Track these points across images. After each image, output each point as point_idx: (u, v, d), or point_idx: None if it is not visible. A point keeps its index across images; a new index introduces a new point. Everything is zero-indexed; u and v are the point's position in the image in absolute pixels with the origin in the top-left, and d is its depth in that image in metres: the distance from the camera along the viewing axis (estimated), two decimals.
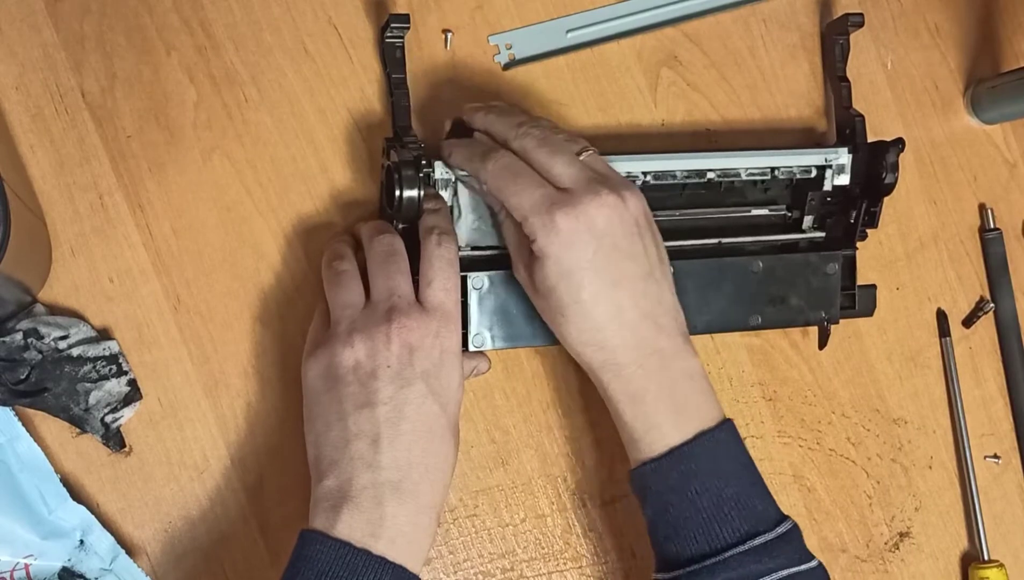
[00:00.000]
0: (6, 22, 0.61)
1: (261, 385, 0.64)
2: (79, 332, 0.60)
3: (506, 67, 0.68)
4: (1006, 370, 0.78)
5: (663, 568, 0.58)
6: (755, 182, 0.68)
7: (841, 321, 0.69)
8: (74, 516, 0.59)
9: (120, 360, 0.61)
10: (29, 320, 0.59)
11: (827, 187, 0.69)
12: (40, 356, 0.59)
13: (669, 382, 0.58)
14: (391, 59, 0.64)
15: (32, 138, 0.61)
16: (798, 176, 0.68)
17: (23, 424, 0.59)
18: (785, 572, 0.56)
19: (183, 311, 0.63)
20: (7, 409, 0.58)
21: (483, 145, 0.61)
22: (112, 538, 0.60)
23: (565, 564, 0.68)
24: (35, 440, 0.59)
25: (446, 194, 0.62)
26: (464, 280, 0.62)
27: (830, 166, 0.68)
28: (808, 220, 0.70)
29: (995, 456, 0.77)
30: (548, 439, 0.69)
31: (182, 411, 0.62)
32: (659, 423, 0.57)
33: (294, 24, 0.65)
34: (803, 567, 0.57)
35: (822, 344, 0.70)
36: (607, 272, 0.57)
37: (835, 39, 0.72)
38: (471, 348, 0.62)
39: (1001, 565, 0.75)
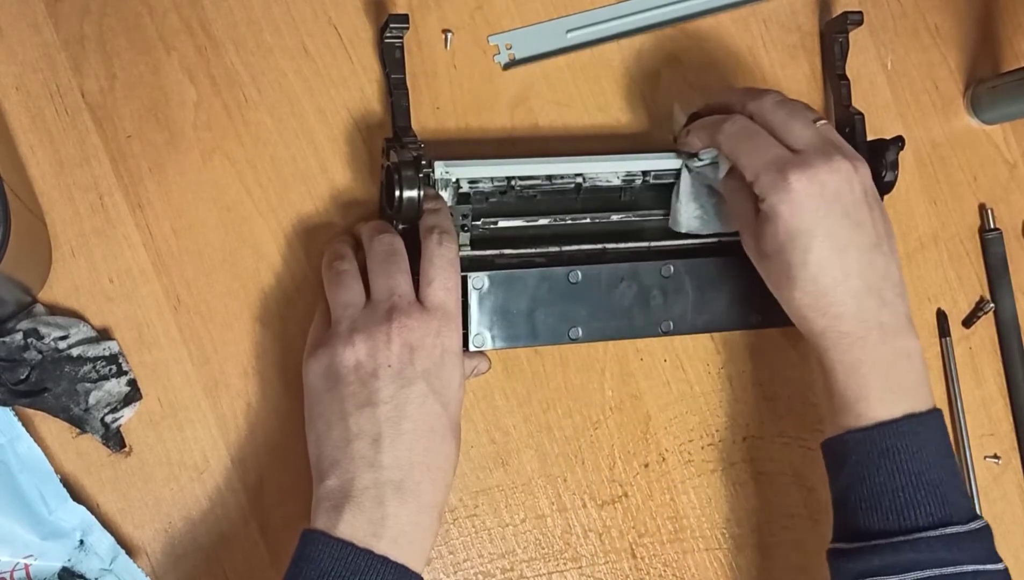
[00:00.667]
0: (6, 22, 0.61)
1: (261, 385, 0.64)
2: (79, 332, 0.60)
3: (506, 67, 0.68)
4: (1006, 370, 0.78)
5: (845, 538, 0.59)
6: None
7: None
8: (74, 516, 0.59)
9: (120, 360, 0.61)
10: (29, 320, 0.59)
11: None
12: (40, 356, 0.59)
13: (887, 358, 0.58)
14: (390, 59, 0.64)
15: (32, 138, 0.61)
16: None
17: (23, 424, 0.59)
18: (971, 568, 0.56)
19: (183, 311, 0.63)
20: (7, 409, 0.58)
21: (719, 116, 0.63)
22: (112, 538, 0.60)
23: (565, 564, 0.68)
24: (35, 440, 0.59)
25: (446, 194, 0.62)
26: (465, 280, 0.62)
27: None
28: None
29: (995, 456, 0.77)
30: (548, 439, 0.69)
31: (182, 411, 0.62)
32: (869, 396, 0.58)
33: (294, 24, 0.65)
34: (989, 567, 0.57)
35: None
36: (835, 237, 0.58)
37: (834, 37, 0.72)
38: (471, 348, 0.62)
39: None
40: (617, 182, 0.66)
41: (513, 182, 0.63)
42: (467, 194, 0.63)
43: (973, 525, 0.57)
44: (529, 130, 0.69)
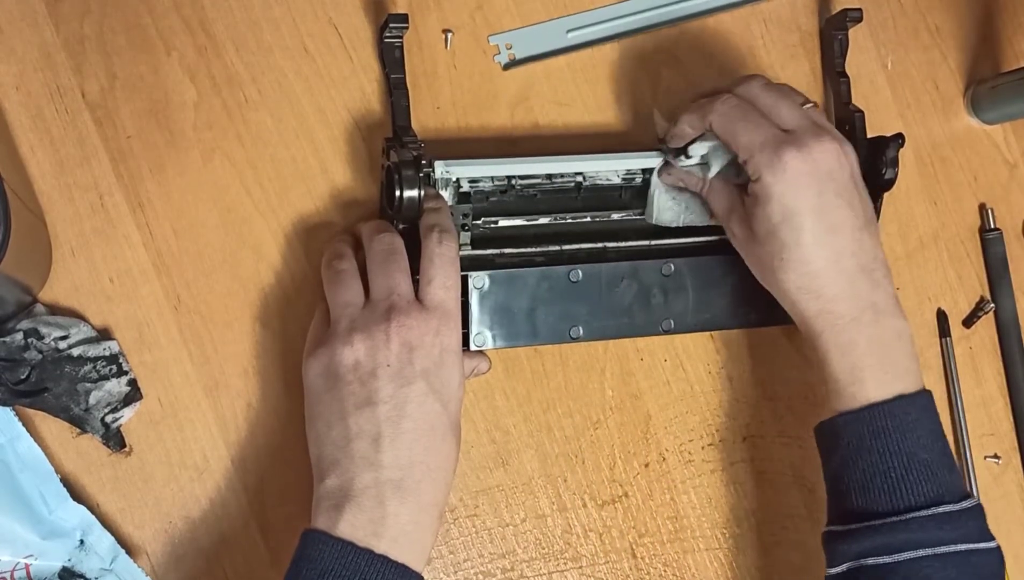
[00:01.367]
0: (6, 22, 0.61)
1: (261, 385, 0.64)
2: (79, 332, 0.60)
3: (506, 67, 0.68)
4: (1006, 370, 0.78)
5: (839, 520, 0.59)
6: None
7: None
8: (74, 516, 0.59)
9: (120, 360, 0.61)
10: (29, 320, 0.59)
11: None
12: (40, 356, 0.59)
13: (880, 338, 0.59)
14: (390, 59, 0.64)
15: (32, 138, 0.61)
16: None
17: (23, 424, 0.59)
18: (964, 546, 0.56)
19: (183, 311, 0.63)
20: (7, 409, 0.58)
21: (710, 97, 0.63)
22: (112, 538, 0.60)
23: (565, 564, 0.68)
24: (35, 440, 0.59)
25: (446, 193, 0.62)
26: (465, 279, 0.62)
27: None
28: None
29: (995, 456, 0.77)
30: (548, 439, 0.69)
31: (182, 411, 0.62)
32: (863, 378, 0.58)
33: (294, 24, 0.65)
34: (982, 545, 0.57)
35: None
36: (828, 217, 0.58)
37: (834, 35, 0.72)
38: (472, 347, 0.62)
39: None
40: (617, 180, 0.66)
41: (513, 181, 0.63)
42: (467, 193, 0.63)
43: (965, 504, 0.57)
44: (529, 130, 0.69)
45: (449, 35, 0.67)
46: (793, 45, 0.74)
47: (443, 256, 0.58)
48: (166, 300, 0.62)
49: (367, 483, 0.54)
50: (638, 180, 0.66)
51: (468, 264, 0.63)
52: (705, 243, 0.68)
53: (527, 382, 0.68)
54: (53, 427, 0.60)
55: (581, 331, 0.64)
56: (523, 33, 0.69)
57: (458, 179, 0.62)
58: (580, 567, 0.69)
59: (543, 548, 0.68)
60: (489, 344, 0.63)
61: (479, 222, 0.64)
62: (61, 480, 0.59)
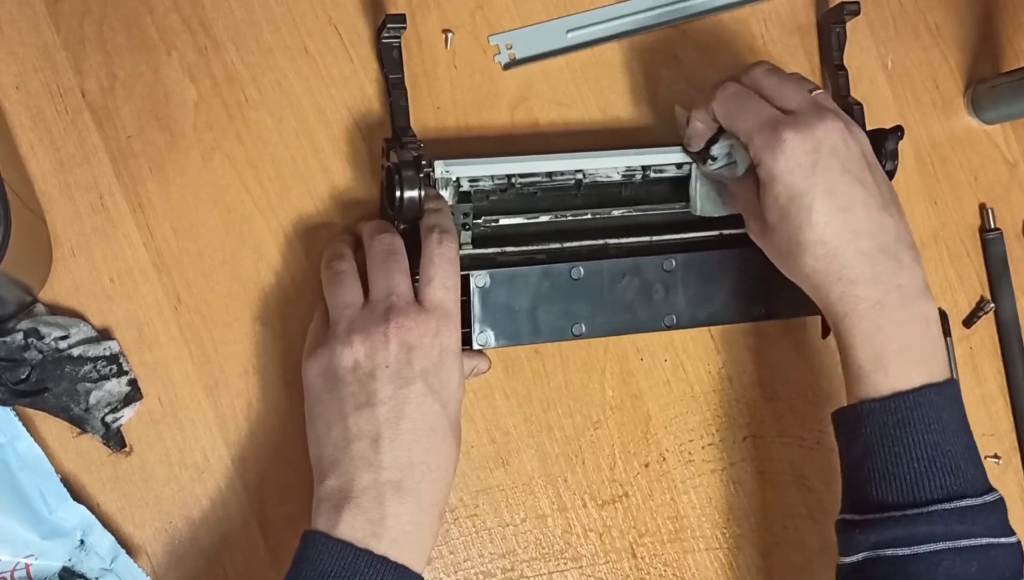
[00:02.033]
0: (6, 22, 0.61)
1: (261, 385, 0.64)
2: (79, 332, 0.60)
3: (506, 67, 0.69)
4: (1006, 370, 0.78)
5: (855, 510, 0.58)
6: None
7: None
8: (74, 516, 0.59)
9: (120, 360, 0.61)
10: (30, 320, 0.59)
11: None
12: (40, 356, 0.59)
13: (906, 323, 0.57)
14: (388, 59, 0.64)
15: (32, 138, 0.61)
16: None
17: (23, 424, 0.59)
18: (985, 540, 0.55)
19: (183, 311, 0.63)
20: (7, 409, 0.58)
21: (713, 85, 0.62)
22: (112, 538, 0.60)
23: (565, 564, 0.68)
24: (35, 440, 0.59)
25: (447, 193, 0.62)
26: (466, 278, 0.62)
27: None
28: None
29: (995, 456, 0.77)
30: (548, 439, 0.69)
31: (182, 411, 0.62)
32: (887, 365, 0.57)
33: (294, 24, 0.65)
34: (1003, 540, 0.56)
35: (825, 333, 0.69)
36: (837, 194, 0.56)
37: (831, 28, 0.72)
38: (475, 346, 0.62)
39: None
40: (617, 177, 0.66)
41: (513, 179, 0.63)
42: (468, 193, 0.63)
43: (988, 498, 0.56)
44: (529, 130, 0.69)
45: (449, 35, 0.67)
46: (793, 45, 0.74)
47: (443, 256, 0.58)
48: (166, 300, 0.62)
49: (367, 484, 0.54)
50: (638, 176, 0.66)
51: (469, 263, 0.63)
52: (706, 238, 0.68)
53: (527, 382, 0.68)
54: (53, 427, 0.60)
55: (583, 328, 0.65)
56: (523, 33, 0.69)
57: (458, 178, 0.62)
58: (580, 567, 0.69)
59: (543, 548, 0.68)
60: (491, 343, 0.63)
61: (480, 221, 0.64)
62: (61, 480, 0.59)
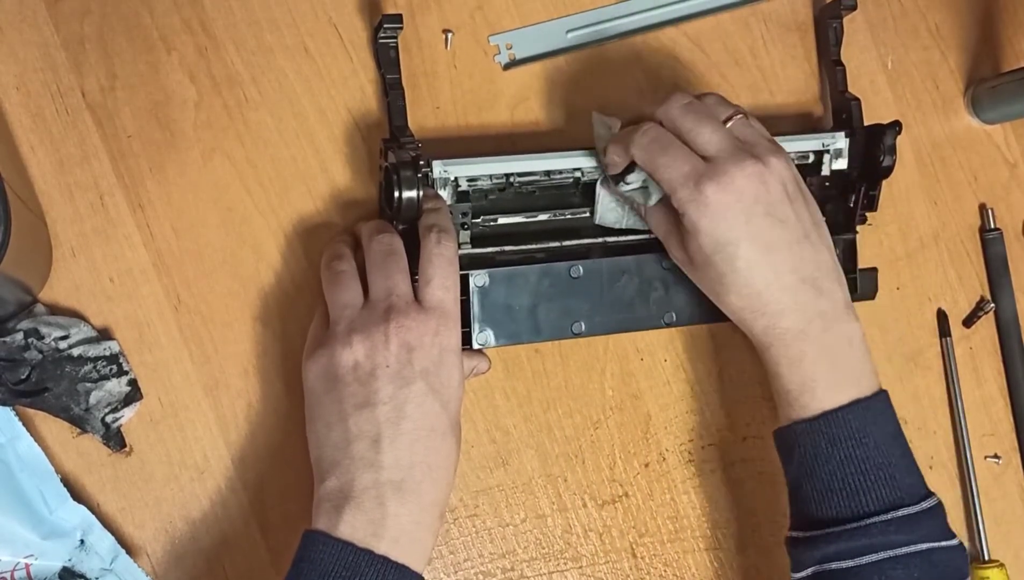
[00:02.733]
0: (6, 22, 0.61)
1: (262, 385, 0.64)
2: (80, 332, 0.60)
3: (506, 67, 0.69)
4: (1006, 370, 0.78)
5: (800, 527, 0.59)
6: None
7: None
8: (74, 516, 0.59)
9: (120, 360, 0.61)
10: (30, 320, 0.59)
11: (825, 172, 0.69)
12: (41, 356, 0.59)
13: (829, 346, 0.58)
14: (385, 60, 0.64)
15: (32, 138, 0.61)
16: (796, 162, 0.68)
17: (23, 424, 0.59)
18: (925, 546, 0.57)
19: (184, 311, 0.63)
20: (7, 409, 0.58)
21: (632, 127, 0.61)
22: (112, 538, 0.60)
23: (565, 564, 0.68)
24: (35, 440, 0.59)
25: (445, 193, 0.62)
26: (466, 278, 0.62)
27: (827, 151, 0.68)
28: None
29: (995, 456, 0.77)
30: (548, 439, 0.69)
31: (183, 411, 0.62)
32: (814, 386, 0.58)
33: (294, 24, 0.65)
34: (943, 543, 0.57)
35: None
36: (760, 239, 0.57)
37: (828, 23, 0.72)
38: (475, 345, 0.62)
39: (1002, 565, 0.75)
40: None
41: (512, 179, 0.63)
42: (466, 192, 0.63)
43: (924, 504, 0.57)
44: (529, 130, 0.69)
45: (449, 35, 0.67)
46: (793, 45, 0.74)
47: (442, 256, 0.58)
48: (166, 300, 0.62)
49: (367, 484, 0.54)
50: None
51: (468, 262, 0.63)
52: None
53: (527, 382, 0.68)
54: (53, 427, 0.60)
55: (583, 326, 0.65)
56: (523, 33, 0.69)
57: (456, 178, 0.62)
58: (580, 567, 0.69)
59: (543, 548, 0.68)
60: (491, 342, 0.63)
61: (478, 220, 0.64)
62: (61, 480, 0.59)
